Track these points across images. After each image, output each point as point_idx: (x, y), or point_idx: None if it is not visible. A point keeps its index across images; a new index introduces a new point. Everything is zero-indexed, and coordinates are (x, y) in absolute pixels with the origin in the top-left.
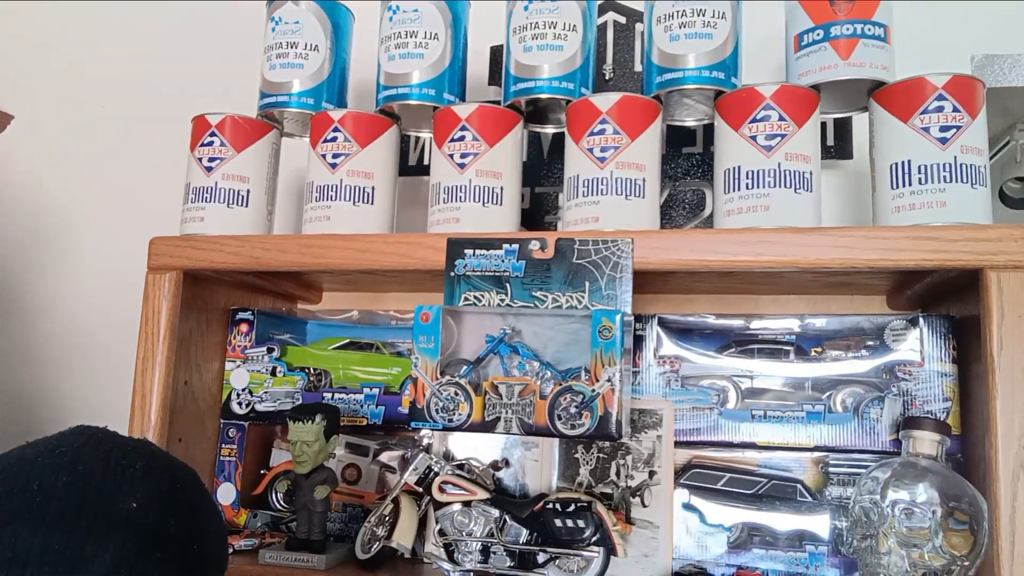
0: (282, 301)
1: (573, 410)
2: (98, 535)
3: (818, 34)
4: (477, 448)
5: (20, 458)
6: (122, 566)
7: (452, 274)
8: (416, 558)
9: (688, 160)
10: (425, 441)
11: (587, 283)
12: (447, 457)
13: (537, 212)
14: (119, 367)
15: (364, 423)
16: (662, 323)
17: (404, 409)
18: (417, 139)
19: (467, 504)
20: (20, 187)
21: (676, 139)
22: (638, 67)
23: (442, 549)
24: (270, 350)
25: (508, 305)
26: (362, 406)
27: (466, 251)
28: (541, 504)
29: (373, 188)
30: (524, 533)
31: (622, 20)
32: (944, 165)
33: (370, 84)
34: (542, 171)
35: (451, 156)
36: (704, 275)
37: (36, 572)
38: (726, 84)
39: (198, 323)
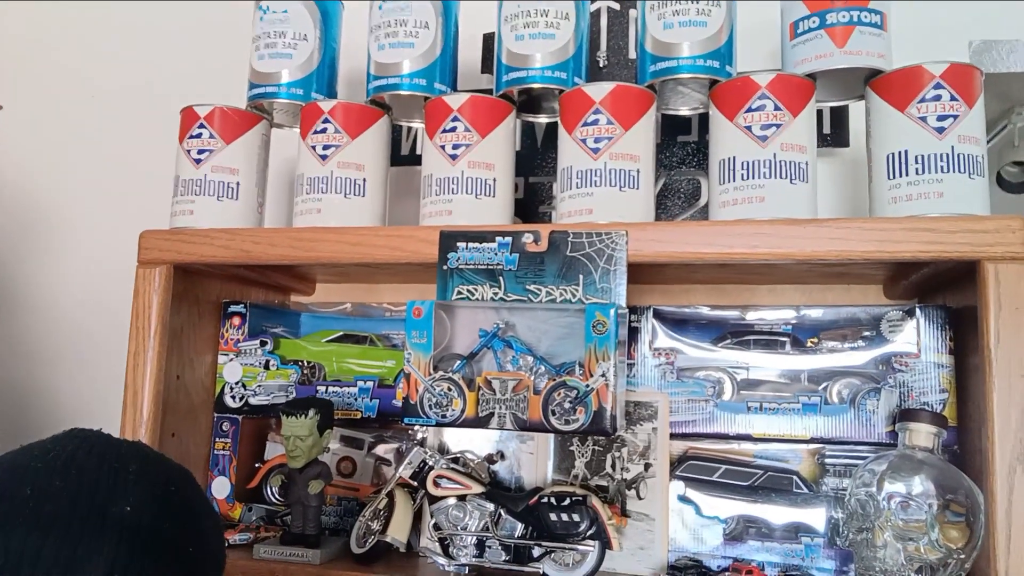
0: (275, 293)
1: (567, 405)
2: (92, 539)
3: (814, 21)
4: (472, 441)
5: (12, 462)
6: (116, 569)
7: (445, 268)
8: (411, 552)
9: (683, 149)
10: (420, 435)
11: (581, 276)
12: (442, 450)
13: (532, 202)
14: (111, 362)
15: (358, 416)
16: (657, 315)
17: (398, 402)
18: (409, 129)
19: (462, 498)
20: (7, 181)
21: (671, 128)
22: (632, 54)
23: (437, 543)
24: (263, 343)
25: (502, 299)
26: (356, 399)
27: (459, 244)
28: (536, 498)
29: (364, 180)
30: (519, 527)
31: (616, 6)
32: (941, 155)
33: (360, 74)
34: (536, 160)
35: (443, 147)
36: (700, 265)
37: None
38: (721, 73)
39: (190, 316)
